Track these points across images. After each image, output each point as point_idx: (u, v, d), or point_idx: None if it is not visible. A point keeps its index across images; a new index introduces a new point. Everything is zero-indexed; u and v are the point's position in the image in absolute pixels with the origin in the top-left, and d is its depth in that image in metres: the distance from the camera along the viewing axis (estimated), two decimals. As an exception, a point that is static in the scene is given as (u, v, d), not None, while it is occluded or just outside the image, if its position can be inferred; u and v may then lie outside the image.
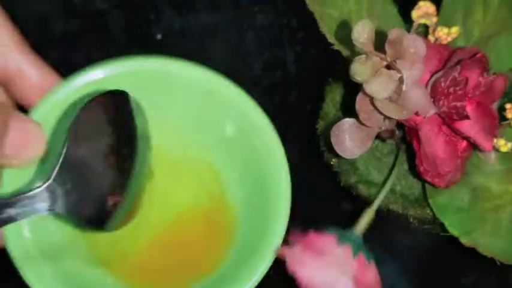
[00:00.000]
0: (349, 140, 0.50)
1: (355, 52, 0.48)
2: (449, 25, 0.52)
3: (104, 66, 0.52)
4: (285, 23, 0.69)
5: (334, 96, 0.56)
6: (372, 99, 0.48)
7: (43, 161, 0.50)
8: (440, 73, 0.50)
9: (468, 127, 0.50)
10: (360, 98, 0.48)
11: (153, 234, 0.54)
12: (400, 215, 0.54)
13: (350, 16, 0.52)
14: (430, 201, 0.52)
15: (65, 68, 0.68)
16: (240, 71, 0.68)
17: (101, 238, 0.53)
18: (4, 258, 0.51)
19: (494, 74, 0.51)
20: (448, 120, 0.49)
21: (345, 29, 0.51)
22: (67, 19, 0.70)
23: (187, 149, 0.55)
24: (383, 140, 0.55)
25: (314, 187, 0.60)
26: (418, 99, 0.49)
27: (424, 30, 0.53)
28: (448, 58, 0.51)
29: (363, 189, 0.54)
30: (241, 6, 0.70)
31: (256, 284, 0.51)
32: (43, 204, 0.47)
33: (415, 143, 0.51)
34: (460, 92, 0.49)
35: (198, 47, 0.69)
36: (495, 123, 0.50)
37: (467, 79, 0.49)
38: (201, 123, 0.54)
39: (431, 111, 0.49)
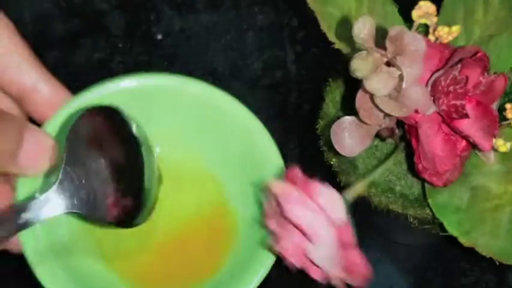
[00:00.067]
0: (348, 138, 0.50)
1: (355, 50, 0.48)
2: (449, 25, 0.52)
3: (114, 82, 0.54)
4: (285, 22, 0.69)
5: (334, 96, 0.56)
6: (371, 97, 0.48)
7: (56, 167, 0.52)
8: (440, 71, 0.50)
9: (467, 126, 0.50)
10: (359, 95, 0.48)
11: (157, 237, 0.56)
12: (400, 214, 0.53)
13: (350, 14, 0.52)
14: (429, 200, 0.52)
15: (65, 68, 0.68)
16: (240, 71, 0.68)
17: (107, 236, 0.55)
18: (4, 259, 0.51)
19: (494, 73, 0.51)
20: (448, 118, 0.49)
21: (345, 27, 0.51)
22: (67, 19, 0.70)
23: (192, 162, 0.57)
24: (383, 139, 0.55)
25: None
26: (417, 97, 0.48)
27: (425, 30, 0.53)
28: (449, 57, 0.51)
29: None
30: (241, 6, 0.70)
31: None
32: (56, 206, 0.49)
33: (414, 141, 0.51)
34: (460, 91, 0.49)
35: (198, 47, 0.69)
36: (495, 123, 0.50)
37: (467, 78, 0.49)
38: (205, 137, 0.56)
39: (431, 109, 0.49)
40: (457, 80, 0.49)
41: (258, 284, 0.51)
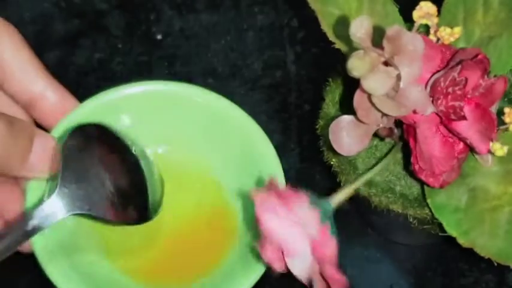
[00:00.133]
0: (346, 137, 0.50)
1: (353, 49, 0.48)
2: (450, 26, 0.52)
3: (120, 89, 0.57)
4: (285, 22, 0.69)
5: (334, 96, 0.56)
6: (369, 96, 0.48)
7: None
8: (440, 72, 0.50)
9: (465, 128, 0.49)
10: (357, 94, 0.48)
11: (159, 235, 0.57)
12: (400, 214, 0.53)
13: (351, 14, 0.52)
14: (428, 201, 0.52)
15: (65, 68, 0.68)
16: (240, 71, 0.68)
17: (111, 234, 0.56)
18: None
19: (494, 76, 0.51)
20: (446, 120, 0.49)
21: (344, 26, 0.51)
22: (67, 19, 0.70)
23: (193, 163, 0.59)
24: (382, 139, 0.55)
25: (314, 187, 0.60)
26: (415, 97, 0.48)
27: (425, 31, 0.53)
28: (450, 58, 0.51)
29: (362, 189, 0.54)
30: (241, 7, 0.70)
31: (252, 284, 0.53)
32: (61, 210, 0.51)
33: (411, 141, 0.51)
34: (458, 92, 0.49)
35: (198, 47, 0.69)
36: (493, 126, 0.50)
37: (466, 79, 0.49)
38: (206, 140, 0.58)
39: (429, 109, 0.49)
40: (456, 82, 0.49)
41: (255, 281, 0.52)
